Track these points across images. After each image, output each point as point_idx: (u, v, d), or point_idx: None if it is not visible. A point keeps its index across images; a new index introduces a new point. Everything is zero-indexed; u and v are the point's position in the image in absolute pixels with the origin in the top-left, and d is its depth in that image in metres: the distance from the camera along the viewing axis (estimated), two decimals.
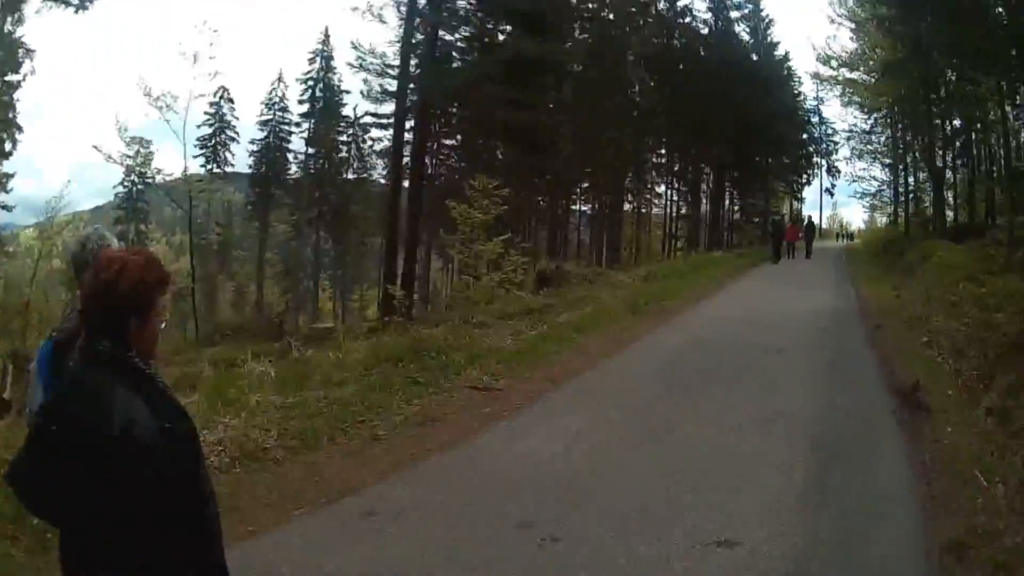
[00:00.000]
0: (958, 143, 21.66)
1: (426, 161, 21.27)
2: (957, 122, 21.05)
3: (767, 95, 30.95)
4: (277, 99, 34.72)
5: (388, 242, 18.70)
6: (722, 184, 34.80)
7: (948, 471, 3.77)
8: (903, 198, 26.93)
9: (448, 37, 20.71)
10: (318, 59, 34.04)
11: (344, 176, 33.12)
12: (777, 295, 12.55)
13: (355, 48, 24.29)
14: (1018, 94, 17.17)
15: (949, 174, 22.61)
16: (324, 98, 33.78)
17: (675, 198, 35.09)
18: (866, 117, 28.80)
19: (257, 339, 15.76)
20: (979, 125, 19.89)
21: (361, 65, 24.96)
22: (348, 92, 33.43)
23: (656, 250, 34.11)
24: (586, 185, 28.85)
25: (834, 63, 27.23)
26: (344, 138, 33.00)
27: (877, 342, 7.73)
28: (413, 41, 18.37)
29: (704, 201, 34.89)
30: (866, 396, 5.50)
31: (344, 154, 32.96)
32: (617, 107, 26.37)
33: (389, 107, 25.40)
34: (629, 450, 4.25)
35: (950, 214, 22.90)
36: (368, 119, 30.04)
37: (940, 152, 21.90)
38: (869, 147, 30.32)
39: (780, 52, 35.61)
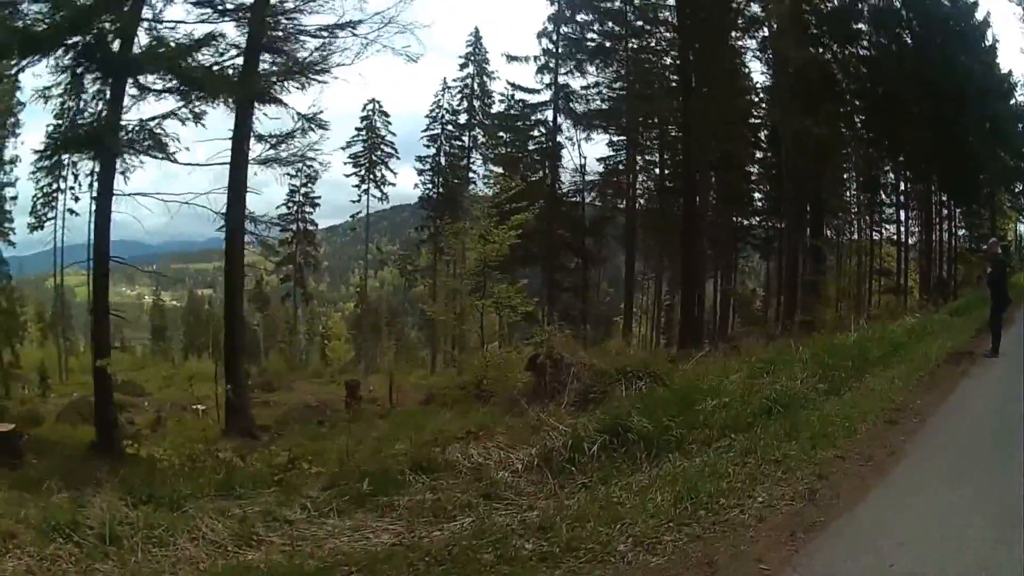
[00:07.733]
0: None
1: None
2: None
3: (963, 52, 21.93)
4: (446, 109, 31.79)
5: None
6: (924, 190, 23.39)
7: None
8: None
9: None
10: (470, 63, 31.93)
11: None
12: None
13: None
14: None
15: None
16: (480, 106, 31.74)
17: (902, 218, 23.65)
18: None
19: None
20: None
21: None
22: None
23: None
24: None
25: None
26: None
27: None
28: None
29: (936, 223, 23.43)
30: None
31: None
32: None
33: None
34: None
35: None
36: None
37: None
38: None
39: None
